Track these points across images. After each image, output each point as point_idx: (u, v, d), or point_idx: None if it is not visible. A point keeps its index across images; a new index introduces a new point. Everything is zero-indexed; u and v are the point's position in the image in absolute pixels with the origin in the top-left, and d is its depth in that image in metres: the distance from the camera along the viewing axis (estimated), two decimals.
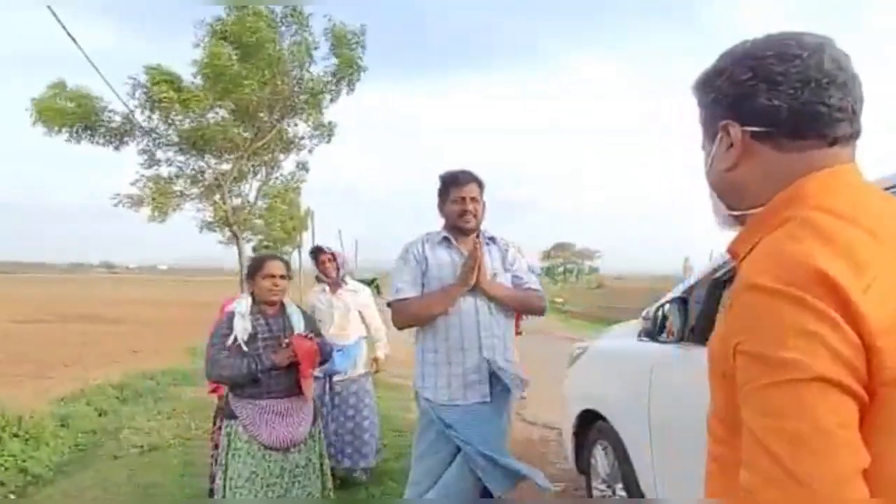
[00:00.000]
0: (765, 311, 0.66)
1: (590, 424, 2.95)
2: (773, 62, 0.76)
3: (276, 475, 2.39)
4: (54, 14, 6.28)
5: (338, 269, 3.42)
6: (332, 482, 2.69)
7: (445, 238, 2.35)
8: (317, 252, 3.49)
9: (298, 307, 2.69)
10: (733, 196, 0.84)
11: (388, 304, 2.34)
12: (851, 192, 0.74)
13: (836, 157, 0.76)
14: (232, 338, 2.37)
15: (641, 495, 2.37)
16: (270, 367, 2.37)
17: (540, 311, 2.42)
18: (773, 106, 0.75)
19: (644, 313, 2.22)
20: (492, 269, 2.29)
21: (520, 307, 2.37)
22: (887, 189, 1.23)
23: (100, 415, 5.65)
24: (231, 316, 2.44)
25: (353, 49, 12.13)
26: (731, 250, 0.86)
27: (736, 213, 0.84)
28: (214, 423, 3.11)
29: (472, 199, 2.29)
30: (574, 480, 3.52)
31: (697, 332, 2.09)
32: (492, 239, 2.42)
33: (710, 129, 0.84)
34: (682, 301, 2.14)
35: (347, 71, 12.25)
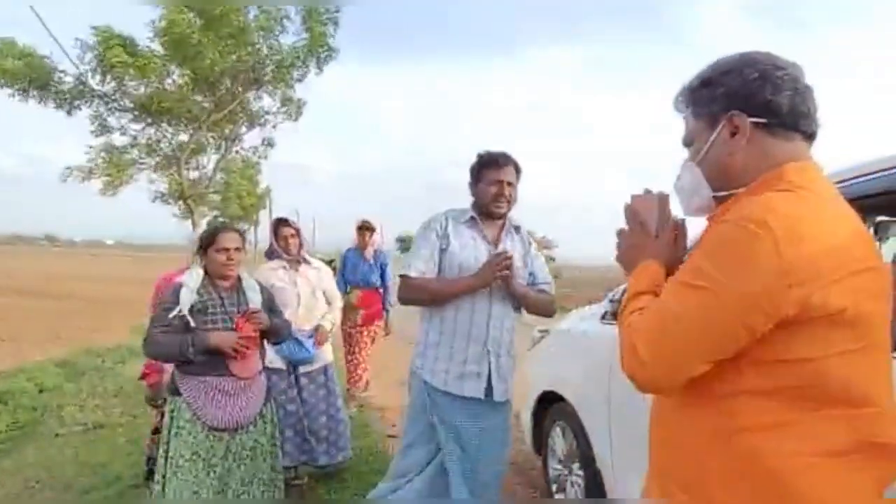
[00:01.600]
0: (729, 240, 0.86)
1: (549, 406, 3.00)
2: (772, 68, 0.94)
3: (220, 456, 2.27)
4: None
5: (300, 245, 3.19)
6: (281, 468, 2.57)
7: (472, 218, 2.26)
8: (279, 224, 3.22)
9: (257, 282, 2.55)
10: (725, 178, 0.99)
11: (400, 276, 2.24)
12: (821, 184, 0.94)
13: (806, 151, 0.97)
14: (177, 310, 2.21)
15: (598, 474, 2.42)
16: (205, 350, 2.22)
17: (550, 315, 2.37)
18: (775, 102, 0.93)
19: (611, 295, 2.25)
20: (513, 262, 2.18)
21: (533, 309, 2.29)
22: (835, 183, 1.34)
23: (41, 391, 5.40)
24: (178, 287, 2.28)
25: (324, 24, 11.80)
26: (711, 220, 1.02)
27: (722, 193, 1.00)
28: (153, 404, 3.03)
29: (509, 183, 2.21)
30: (528, 461, 3.61)
31: None
32: (516, 228, 2.34)
33: (710, 120, 0.99)
34: None
35: (318, 48, 11.94)
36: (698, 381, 0.90)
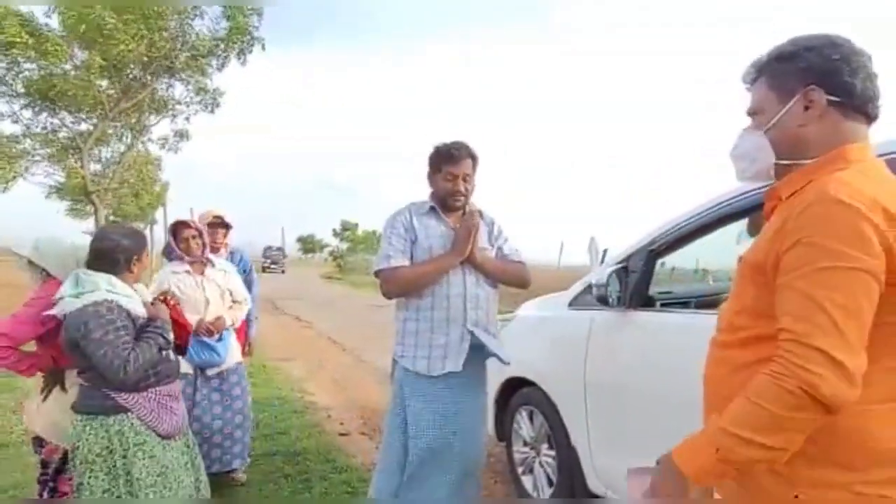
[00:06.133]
0: (835, 215, 0.91)
1: (512, 392, 3.08)
2: (851, 52, 1.02)
3: (182, 465, 2.11)
4: None
5: (203, 245, 3.04)
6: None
7: (432, 209, 2.27)
8: (179, 227, 3.06)
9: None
10: (793, 148, 1.06)
11: (376, 273, 2.21)
12: (878, 164, 1.04)
13: (867, 133, 1.05)
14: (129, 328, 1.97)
15: (573, 452, 2.52)
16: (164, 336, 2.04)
17: (525, 285, 2.40)
18: (851, 83, 1.01)
19: (595, 280, 2.35)
20: (479, 242, 2.23)
21: (507, 280, 2.33)
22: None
23: None
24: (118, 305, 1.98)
25: (246, 15, 11.25)
26: (774, 192, 1.10)
27: (785, 162, 1.07)
28: (38, 445, 2.30)
29: (465, 176, 2.23)
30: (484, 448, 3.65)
31: (635, 298, 2.27)
32: (478, 213, 2.35)
33: (786, 92, 1.06)
34: (623, 269, 2.30)
35: (238, 37, 11.36)
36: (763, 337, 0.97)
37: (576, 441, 2.51)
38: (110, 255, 2.03)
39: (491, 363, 2.42)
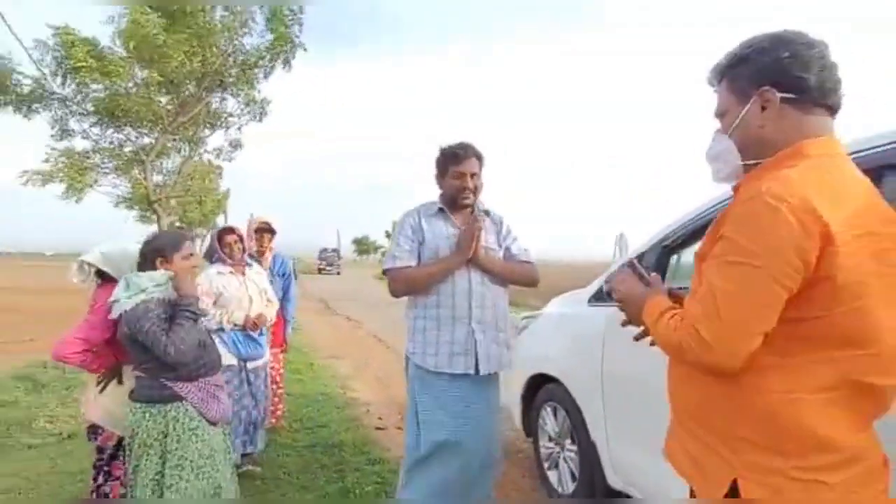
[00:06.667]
0: (756, 215, 0.95)
1: (538, 389, 3.11)
2: (803, 47, 1.04)
3: (223, 451, 2.30)
4: None
5: (244, 250, 3.37)
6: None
7: (441, 210, 2.35)
8: (224, 233, 3.38)
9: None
10: (755, 148, 1.09)
11: (384, 272, 2.31)
12: (835, 158, 1.04)
13: (829, 125, 1.06)
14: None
15: (593, 447, 2.54)
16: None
17: (533, 284, 2.44)
18: (804, 78, 1.03)
19: (607, 276, 2.37)
20: (486, 241, 2.29)
21: (514, 280, 2.37)
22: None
23: (1, 406, 5.23)
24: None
25: (289, 26, 11.69)
26: (736, 190, 1.14)
27: (751, 162, 1.10)
28: (93, 433, 2.49)
29: (472, 174, 2.30)
30: (513, 445, 3.72)
31: None
32: (486, 212, 2.42)
33: (743, 95, 1.09)
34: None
35: (282, 47, 11.81)
36: None
37: (595, 436, 2.53)
38: (141, 255, 2.31)
39: (516, 360, 2.45)
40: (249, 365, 3.28)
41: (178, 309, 2.20)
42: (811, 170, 0.98)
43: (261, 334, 3.31)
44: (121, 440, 2.37)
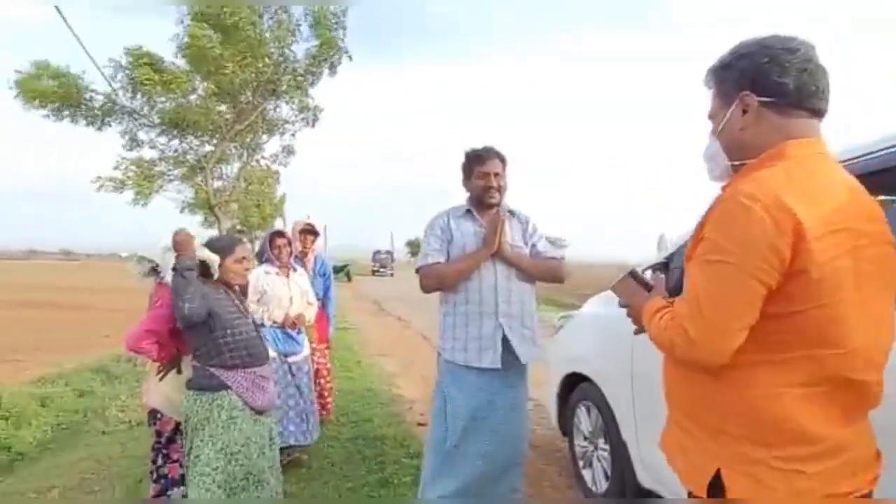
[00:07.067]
0: (732, 215, 0.99)
1: (573, 388, 3.14)
2: (782, 52, 1.06)
3: (268, 438, 2.48)
4: None
5: (290, 253, 3.58)
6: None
7: (468, 211, 2.45)
8: (276, 236, 3.62)
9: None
10: (739, 150, 1.13)
11: (417, 270, 2.43)
12: (816, 158, 1.06)
13: (814, 127, 1.08)
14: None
15: (624, 446, 2.56)
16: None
17: (560, 280, 2.50)
18: (783, 83, 1.05)
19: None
20: (511, 240, 2.38)
21: (540, 276, 2.45)
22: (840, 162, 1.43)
23: (80, 395, 5.69)
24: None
25: (333, 30, 12.08)
26: (722, 191, 1.14)
27: (736, 163, 1.14)
28: (153, 418, 2.67)
29: (496, 174, 2.39)
30: (552, 443, 3.76)
31: (675, 293, 2.27)
32: (511, 212, 2.50)
33: (727, 99, 1.13)
34: (664, 266, 2.32)
35: (328, 52, 12.21)
36: None
37: (625, 436, 2.55)
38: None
39: (552, 359, 2.51)
40: (290, 360, 3.47)
41: (175, 272, 2.33)
42: (787, 170, 1.01)
43: (299, 332, 3.51)
44: (178, 425, 2.58)
